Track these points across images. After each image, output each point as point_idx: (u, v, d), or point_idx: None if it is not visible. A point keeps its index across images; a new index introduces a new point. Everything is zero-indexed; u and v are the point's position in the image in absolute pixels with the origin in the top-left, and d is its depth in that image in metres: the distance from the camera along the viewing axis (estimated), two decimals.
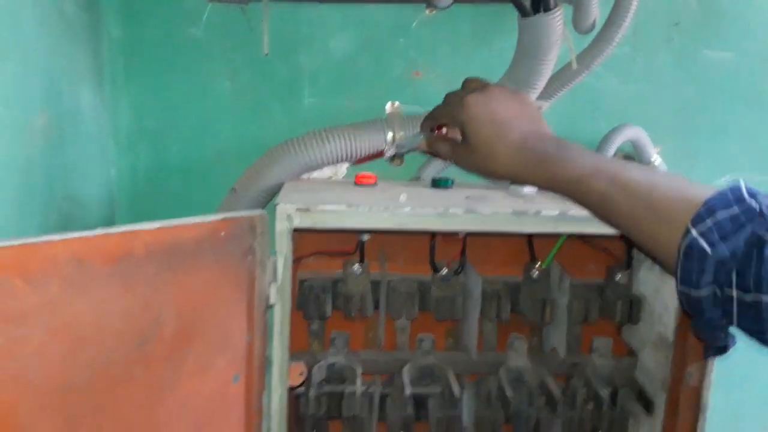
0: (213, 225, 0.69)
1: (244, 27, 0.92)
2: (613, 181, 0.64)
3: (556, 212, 0.76)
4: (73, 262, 0.59)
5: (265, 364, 0.76)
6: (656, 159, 0.98)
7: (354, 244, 0.92)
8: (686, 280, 0.58)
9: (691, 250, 0.57)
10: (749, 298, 0.55)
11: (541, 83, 0.87)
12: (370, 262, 0.93)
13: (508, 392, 0.88)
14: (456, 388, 0.86)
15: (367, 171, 0.86)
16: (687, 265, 0.57)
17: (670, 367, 0.86)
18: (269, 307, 0.75)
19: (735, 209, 0.56)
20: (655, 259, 0.71)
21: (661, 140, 0.99)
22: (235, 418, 0.74)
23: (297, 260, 0.93)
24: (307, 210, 0.73)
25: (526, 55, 0.86)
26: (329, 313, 0.89)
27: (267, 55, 0.90)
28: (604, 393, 0.89)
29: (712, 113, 1.00)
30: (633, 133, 0.95)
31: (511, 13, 0.87)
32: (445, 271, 0.93)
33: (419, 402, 0.96)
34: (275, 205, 0.73)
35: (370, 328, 0.97)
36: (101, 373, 0.63)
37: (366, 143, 0.91)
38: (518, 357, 0.94)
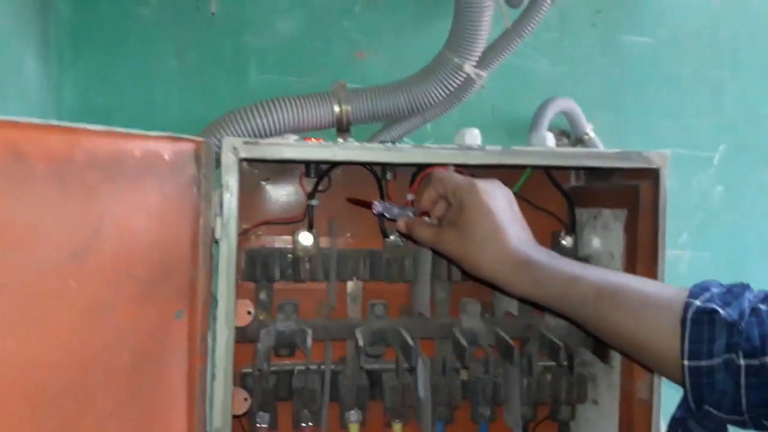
0: (156, 142, 0.68)
1: (193, 6, 0.95)
2: (605, 278, 0.65)
3: (500, 148, 0.78)
4: (10, 155, 0.57)
5: (211, 302, 0.73)
6: (590, 133, 1.03)
7: (303, 210, 0.91)
8: (696, 352, 0.56)
9: (699, 316, 0.56)
10: (757, 362, 0.54)
11: (478, 49, 0.92)
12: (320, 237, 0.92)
13: (465, 355, 0.86)
14: (413, 344, 0.83)
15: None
16: (696, 335, 0.56)
17: None
18: (215, 242, 0.73)
19: (724, 287, 0.60)
20: (651, 365, 0.69)
21: (592, 118, 1.04)
22: (178, 357, 0.70)
23: (244, 232, 0.92)
24: (255, 143, 0.74)
25: (462, 19, 0.91)
26: (277, 276, 0.87)
27: (214, 14, 0.93)
28: (561, 354, 0.87)
29: (637, 93, 1.07)
30: (566, 104, 1.00)
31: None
32: (395, 234, 0.93)
33: (373, 376, 0.93)
34: (220, 140, 0.73)
35: (319, 297, 0.94)
36: (34, 280, 0.59)
37: (312, 114, 0.93)
38: (471, 320, 0.92)
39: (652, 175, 0.82)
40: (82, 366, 0.63)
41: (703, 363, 0.56)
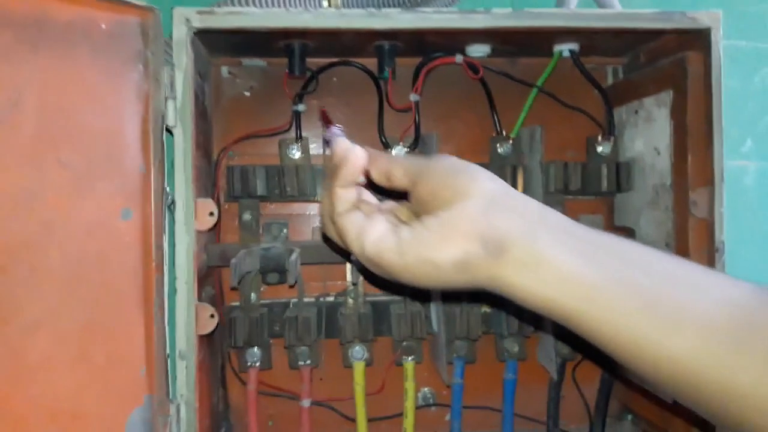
0: (90, 6, 0.57)
1: None
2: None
3: (509, 10, 0.64)
4: None
5: (166, 202, 0.62)
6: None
7: (288, 118, 0.79)
8: None
9: None
10: None
11: None
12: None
13: None
14: None
15: None
16: None
17: (671, 216, 0.71)
18: (168, 131, 0.62)
19: None
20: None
21: (627, 3, 0.89)
22: (127, 264, 0.59)
23: (225, 149, 0.80)
24: (210, 12, 0.62)
25: None
26: (260, 191, 0.75)
27: None
28: None
29: None
30: None
31: None
32: (398, 147, 0.80)
33: (379, 307, 0.80)
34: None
35: (314, 222, 0.82)
36: None
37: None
38: None
39: (700, 41, 0.67)
40: (2, 264, 0.53)
41: None
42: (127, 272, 0.59)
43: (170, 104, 0.61)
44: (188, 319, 0.61)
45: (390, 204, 0.48)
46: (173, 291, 0.62)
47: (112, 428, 0.58)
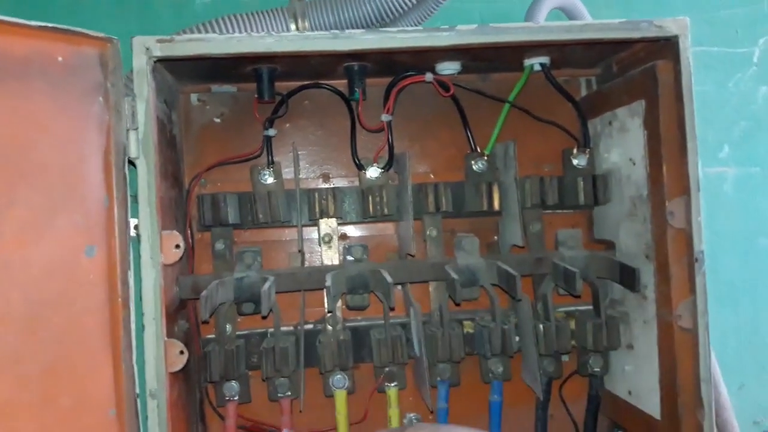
0: (46, 39, 0.56)
1: None
2: None
3: (474, 26, 0.64)
4: None
5: (128, 239, 0.60)
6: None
7: (259, 144, 0.78)
8: None
9: None
10: None
11: None
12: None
13: (458, 292, 0.70)
14: (390, 280, 0.69)
15: None
16: None
17: (649, 227, 0.70)
18: (130, 163, 0.60)
19: None
20: None
21: (597, 14, 0.89)
22: (93, 303, 0.57)
23: (196, 177, 0.79)
24: (170, 40, 0.61)
25: None
26: (232, 218, 0.74)
27: None
28: (578, 283, 0.71)
29: None
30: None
31: None
32: (371, 168, 0.79)
33: (359, 333, 0.78)
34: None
35: (288, 248, 0.81)
36: None
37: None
38: (468, 257, 0.77)
39: (669, 49, 0.66)
40: None
41: None
42: (92, 311, 0.57)
43: (132, 135, 0.60)
44: (157, 356, 0.59)
45: None
46: (141, 327, 0.60)
47: None
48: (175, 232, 0.61)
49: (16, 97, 0.54)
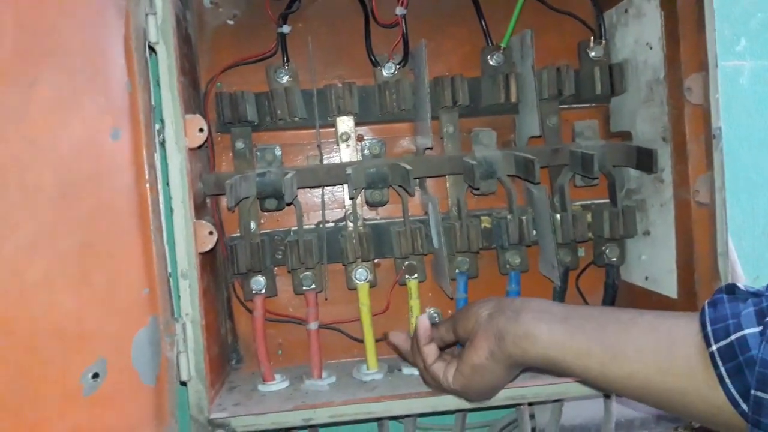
0: None
1: None
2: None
3: None
4: None
5: (154, 121, 0.61)
6: None
7: (273, 42, 0.78)
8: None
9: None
10: None
11: None
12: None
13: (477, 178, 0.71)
14: (410, 168, 0.70)
15: None
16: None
17: (666, 110, 0.70)
18: (150, 49, 0.61)
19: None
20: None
21: None
22: (122, 185, 0.59)
23: (211, 80, 0.79)
24: None
25: None
26: (251, 116, 0.74)
27: None
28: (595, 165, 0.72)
29: None
30: None
31: None
32: (387, 65, 0.79)
33: (379, 229, 0.80)
34: None
35: (307, 150, 0.82)
36: None
37: None
38: (486, 149, 0.78)
39: None
40: None
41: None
42: (121, 192, 0.59)
43: (151, 20, 0.60)
44: (187, 237, 0.61)
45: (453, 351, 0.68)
46: (170, 212, 0.62)
47: (119, 349, 0.58)
48: (198, 116, 0.62)
49: None
